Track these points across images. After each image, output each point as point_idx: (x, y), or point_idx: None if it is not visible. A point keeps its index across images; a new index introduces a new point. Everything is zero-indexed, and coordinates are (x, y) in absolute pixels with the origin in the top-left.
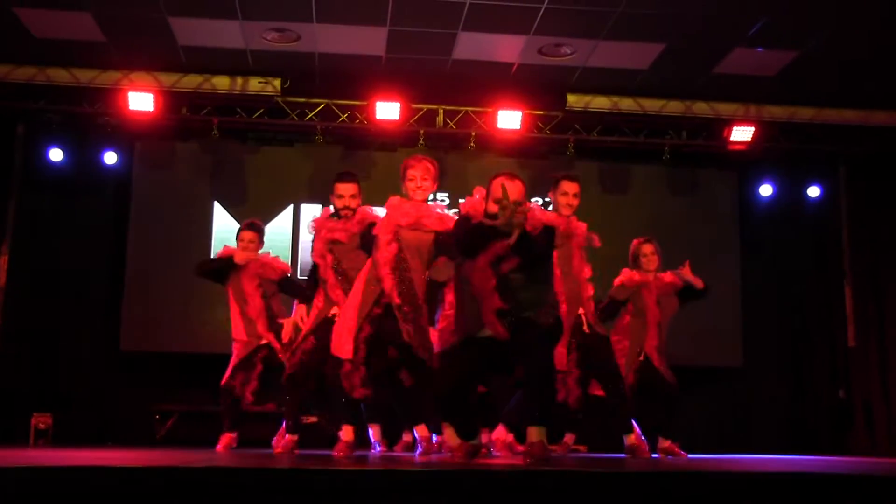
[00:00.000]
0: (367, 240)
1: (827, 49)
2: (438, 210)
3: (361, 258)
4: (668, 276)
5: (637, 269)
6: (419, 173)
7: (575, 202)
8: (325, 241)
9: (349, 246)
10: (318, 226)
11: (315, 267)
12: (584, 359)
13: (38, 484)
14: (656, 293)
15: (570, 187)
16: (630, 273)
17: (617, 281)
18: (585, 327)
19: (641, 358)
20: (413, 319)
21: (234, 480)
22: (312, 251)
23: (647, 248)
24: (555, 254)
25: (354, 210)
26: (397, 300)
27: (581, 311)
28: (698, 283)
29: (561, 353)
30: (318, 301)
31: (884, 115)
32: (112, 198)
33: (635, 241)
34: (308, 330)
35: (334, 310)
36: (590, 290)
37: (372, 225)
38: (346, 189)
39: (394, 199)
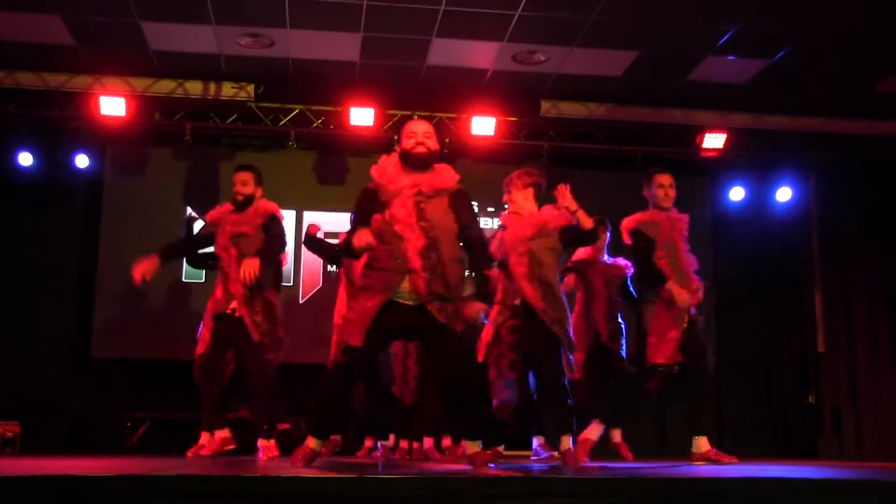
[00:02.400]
0: (269, 231)
1: (795, 58)
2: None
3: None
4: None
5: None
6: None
7: (672, 193)
8: (230, 234)
9: (254, 239)
10: (221, 219)
11: (215, 257)
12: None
13: (3, 494)
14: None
15: (664, 179)
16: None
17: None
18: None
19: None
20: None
21: (205, 488)
22: (215, 244)
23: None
24: (660, 248)
25: (247, 197)
26: (541, 305)
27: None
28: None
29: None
30: (218, 293)
31: (851, 124)
32: (83, 203)
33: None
34: (207, 322)
35: (234, 304)
36: (696, 282)
37: (273, 216)
38: (239, 177)
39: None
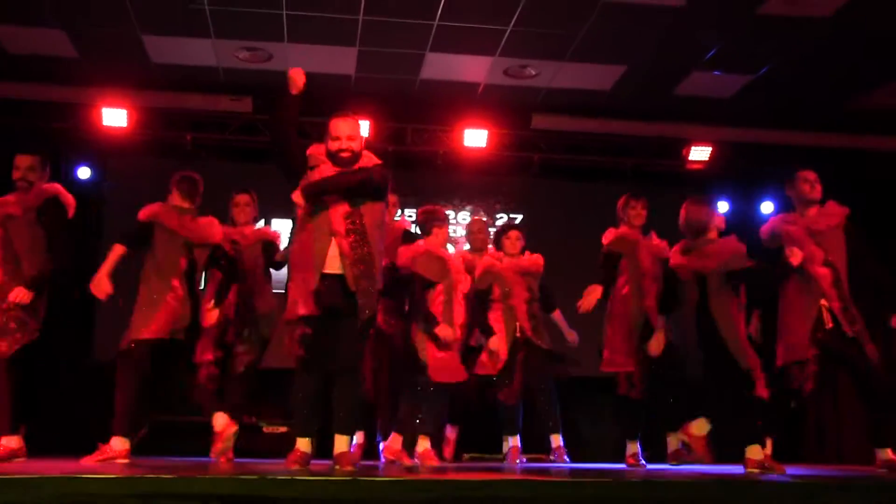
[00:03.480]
0: (44, 214)
1: (777, 74)
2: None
3: (38, 235)
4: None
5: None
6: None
7: (819, 188)
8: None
9: (23, 220)
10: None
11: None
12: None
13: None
14: None
15: (810, 175)
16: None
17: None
18: None
19: None
20: None
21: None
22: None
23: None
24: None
25: (32, 183)
26: None
27: None
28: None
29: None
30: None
31: (835, 138)
32: (85, 212)
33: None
34: None
35: None
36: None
37: (53, 199)
38: (22, 161)
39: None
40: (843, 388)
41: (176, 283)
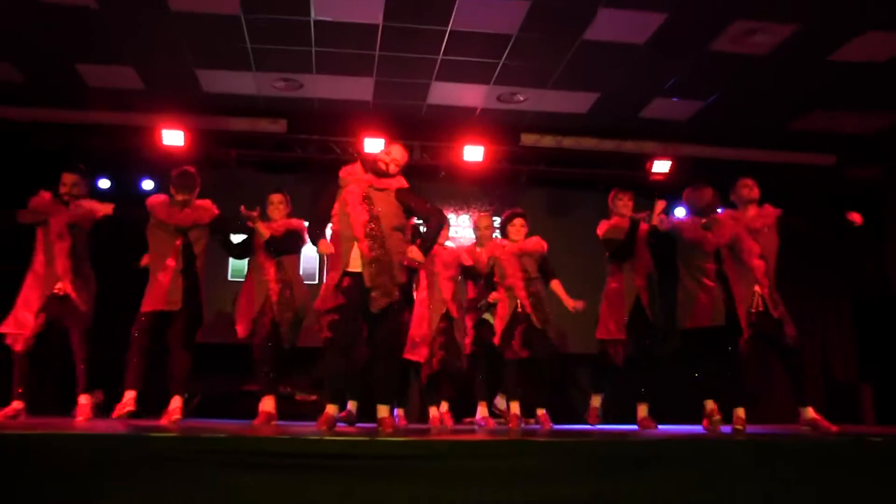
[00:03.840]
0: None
1: (725, 100)
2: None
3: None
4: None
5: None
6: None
7: (756, 190)
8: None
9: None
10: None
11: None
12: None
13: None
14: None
15: (748, 181)
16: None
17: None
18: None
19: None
20: None
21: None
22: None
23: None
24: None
25: (76, 197)
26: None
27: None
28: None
29: None
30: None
31: (783, 154)
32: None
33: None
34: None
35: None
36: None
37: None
38: (68, 178)
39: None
40: (772, 359)
41: (171, 262)
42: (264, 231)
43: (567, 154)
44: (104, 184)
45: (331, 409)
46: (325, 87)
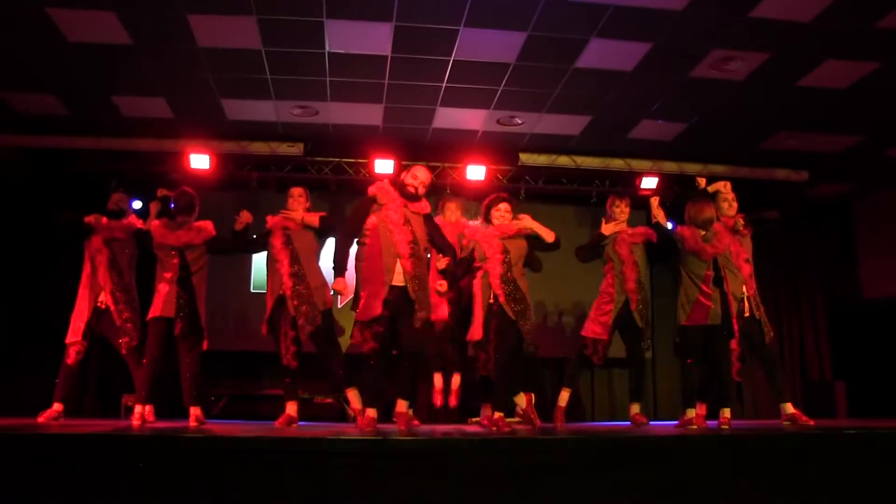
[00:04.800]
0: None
1: (706, 122)
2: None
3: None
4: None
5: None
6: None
7: (735, 204)
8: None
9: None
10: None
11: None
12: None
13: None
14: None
15: (729, 194)
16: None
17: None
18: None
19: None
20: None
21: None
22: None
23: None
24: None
25: (124, 211)
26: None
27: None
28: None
29: None
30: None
31: (761, 171)
32: None
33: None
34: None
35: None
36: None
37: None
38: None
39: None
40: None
41: (169, 275)
42: (296, 217)
43: (562, 172)
44: (136, 205)
45: (371, 412)
46: (338, 114)
